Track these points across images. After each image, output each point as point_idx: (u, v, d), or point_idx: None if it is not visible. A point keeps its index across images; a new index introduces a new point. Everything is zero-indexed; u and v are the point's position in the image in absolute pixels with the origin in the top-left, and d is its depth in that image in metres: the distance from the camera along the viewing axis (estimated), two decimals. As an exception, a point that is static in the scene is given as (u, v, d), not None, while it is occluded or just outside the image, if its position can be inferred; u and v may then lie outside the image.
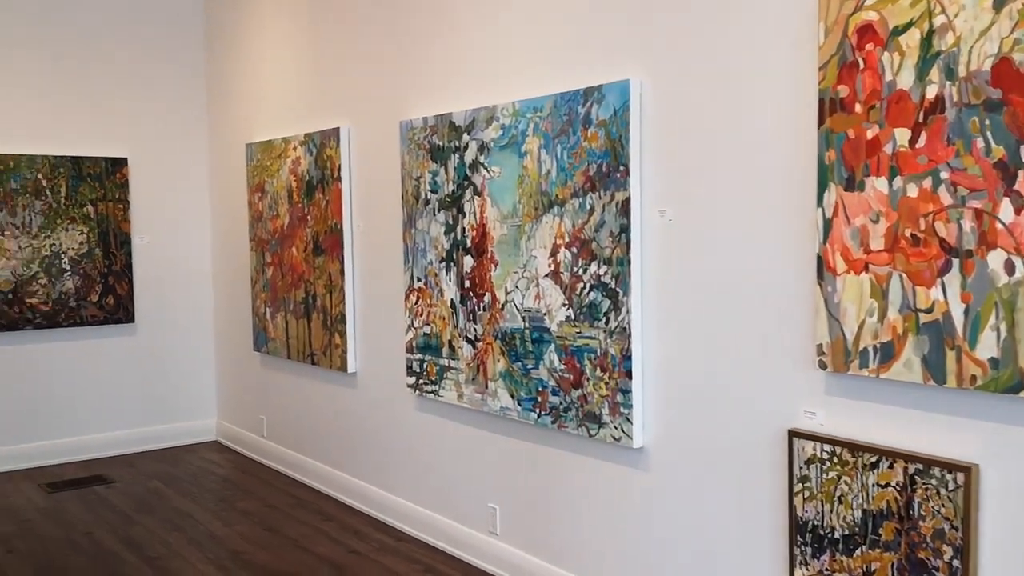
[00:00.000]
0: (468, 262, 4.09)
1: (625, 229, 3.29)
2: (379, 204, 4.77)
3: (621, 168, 3.29)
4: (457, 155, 4.10)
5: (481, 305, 4.03)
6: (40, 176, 5.91)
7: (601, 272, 3.40)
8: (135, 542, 4.54)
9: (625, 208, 3.29)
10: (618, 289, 3.34)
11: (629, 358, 3.31)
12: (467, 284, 4.11)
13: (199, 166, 6.61)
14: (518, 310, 3.81)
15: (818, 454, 2.73)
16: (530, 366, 3.77)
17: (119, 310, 6.23)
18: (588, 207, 3.44)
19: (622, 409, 3.36)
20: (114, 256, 6.21)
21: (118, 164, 6.19)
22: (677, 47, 3.13)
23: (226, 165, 6.39)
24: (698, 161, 3.08)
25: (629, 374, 3.32)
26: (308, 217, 5.30)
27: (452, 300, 4.20)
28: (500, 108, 3.83)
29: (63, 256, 6.01)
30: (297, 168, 5.38)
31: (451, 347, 4.22)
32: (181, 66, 6.48)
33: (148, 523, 4.82)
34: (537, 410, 3.75)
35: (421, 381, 4.43)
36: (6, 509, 5.08)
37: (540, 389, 3.73)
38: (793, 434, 2.79)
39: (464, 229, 4.09)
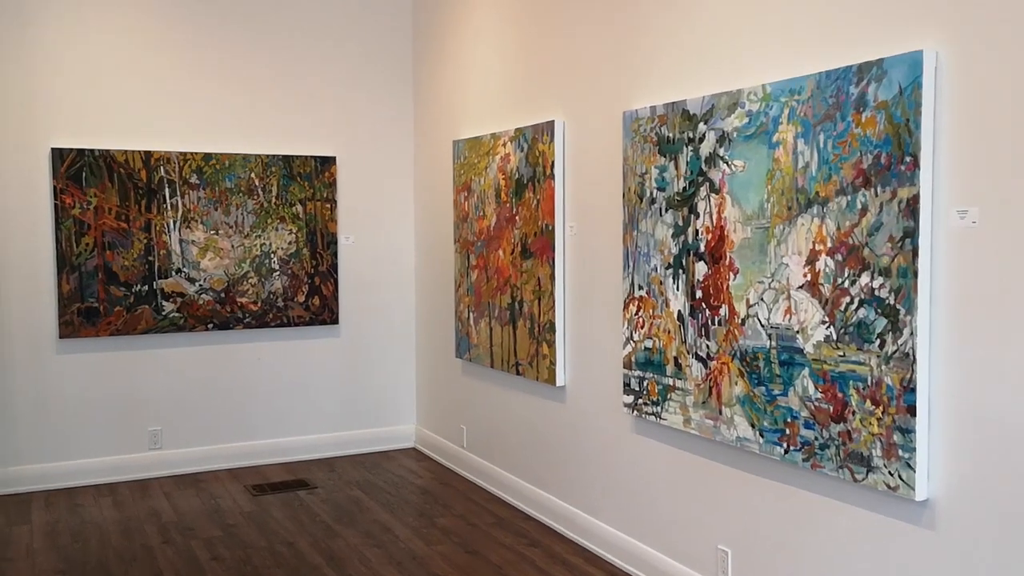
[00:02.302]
0: (700, 269, 3.59)
1: (910, 233, 2.70)
2: (596, 204, 4.35)
3: (907, 159, 2.70)
4: (691, 147, 3.61)
5: (715, 319, 3.52)
6: (253, 175, 5.92)
7: (875, 285, 2.82)
8: (336, 557, 4.34)
9: (911, 207, 2.69)
10: (899, 306, 2.74)
11: (912, 390, 2.71)
12: (698, 294, 3.61)
13: (405, 165, 6.46)
14: (763, 326, 3.28)
15: None
16: (776, 392, 3.22)
17: (324, 311, 6.15)
18: (859, 206, 2.86)
19: (900, 452, 2.76)
20: (321, 256, 6.14)
21: (327, 163, 6.11)
22: (989, 3, 2.50)
23: (432, 163, 6.18)
24: (1017, 151, 2.45)
25: (911, 410, 2.72)
26: (516, 218, 4.97)
27: (679, 312, 3.71)
28: (746, 92, 3.31)
29: (272, 256, 5.99)
30: (506, 165, 5.06)
31: (677, 365, 3.74)
32: (389, 63, 6.35)
33: (349, 536, 4.63)
34: (784, 444, 3.20)
35: (640, 401, 3.97)
36: (214, 511, 5.05)
37: (789, 420, 3.18)
38: None
39: (697, 231, 3.60)
